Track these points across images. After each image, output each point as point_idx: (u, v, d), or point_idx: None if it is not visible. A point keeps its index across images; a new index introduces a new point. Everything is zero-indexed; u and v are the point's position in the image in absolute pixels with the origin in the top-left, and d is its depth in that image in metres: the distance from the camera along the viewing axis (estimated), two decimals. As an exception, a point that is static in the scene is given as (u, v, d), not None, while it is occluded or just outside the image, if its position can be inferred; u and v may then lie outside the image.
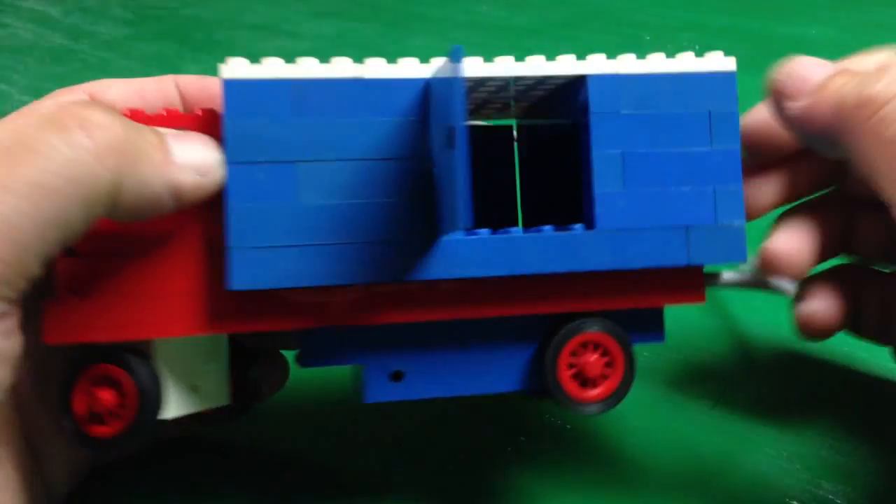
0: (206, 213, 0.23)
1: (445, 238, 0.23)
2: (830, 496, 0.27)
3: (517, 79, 0.24)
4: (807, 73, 0.25)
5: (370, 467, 0.29)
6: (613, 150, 0.24)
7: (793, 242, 0.27)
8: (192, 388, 0.26)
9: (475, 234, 0.24)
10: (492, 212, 0.29)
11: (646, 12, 0.79)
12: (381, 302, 0.24)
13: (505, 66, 0.24)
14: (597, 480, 0.28)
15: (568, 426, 0.30)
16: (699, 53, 0.26)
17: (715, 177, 0.24)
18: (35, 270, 0.20)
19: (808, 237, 0.27)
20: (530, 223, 0.29)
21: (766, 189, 0.27)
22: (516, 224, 0.29)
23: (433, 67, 0.23)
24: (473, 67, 0.24)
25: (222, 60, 0.22)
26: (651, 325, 0.25)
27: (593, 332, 0.24)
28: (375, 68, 0.23)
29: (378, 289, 0.24)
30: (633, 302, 0.25)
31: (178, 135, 0.22)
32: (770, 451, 0.29)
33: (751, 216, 0.27)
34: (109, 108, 0.21)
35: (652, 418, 0.30)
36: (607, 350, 0.24)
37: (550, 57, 0.24)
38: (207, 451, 0.30)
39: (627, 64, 0.24)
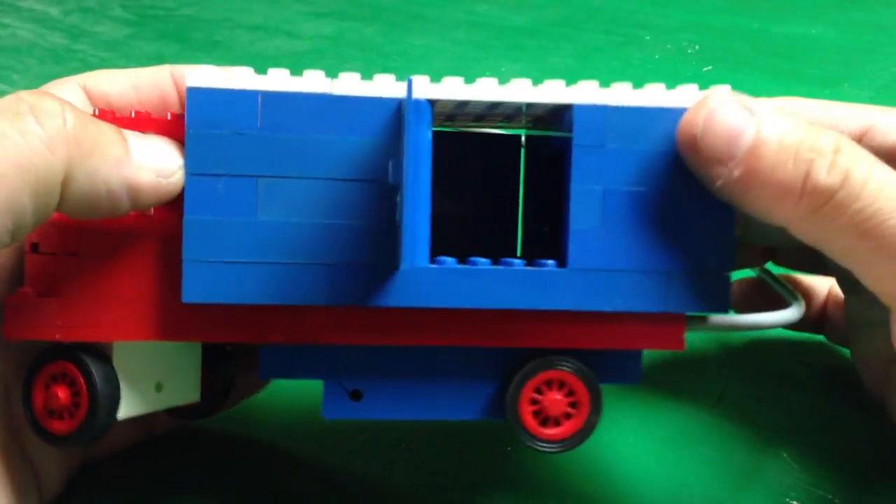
0: (168, 221, 0.23)
1: (409, 265, 0.22)
2: (830, 496, 0.27)
3: (499, 104, 0.23)
4: (730, 128, 0.21)
5: (369, 466, 0.29)
6: (594, 186, 0.22)
7: None
8: (157, 387, 0.26)
9: (440, 262, 0.23)
10: (493, 225, 0.29)
11: (646, 12, 0.79)
12: (339, 323, 0.23)
13: (487, 91, 0.23)
14: (597, 479, 0.28)
15: (568, 426, 0.30)
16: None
17: (705, 221, 0.22)
18: None
19: None
20: (535, 239, 0.28)
21: None
22: (516, 239, 0.29)
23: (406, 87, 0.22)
24: (452, 90, 0.23)
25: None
26: (627, 366, 0.24)
27: (559, 371, 0.23)
28: (346, 84, 0.22)
29: (336, 310, 0.23)
30: (605, 343, 0.23)
31: (141, 135, 0.22)
32: (770, 451, 0.29)
33: None
34: (65, 100, 0.21)
35: (652, 418, 0.30)
36: (573, 390, 0.24)
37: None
38: (200, 447, 0.30)
39: (620, 94, 0.22)
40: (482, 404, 0.24)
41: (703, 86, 0.22)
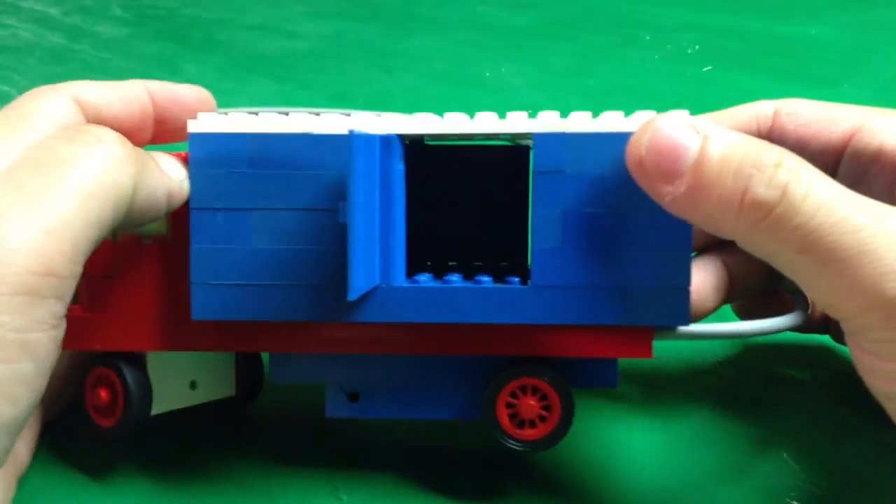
0: (179, 248, 0.25)
1: (385, 285, 0.24)
2: (830, 496, 0.27)
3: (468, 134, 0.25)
4: (673, 147, 0.21)
5: (368, 464, 0.29)
6: (555, 208, 0.23)
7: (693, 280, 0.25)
8: (191, 385, 0.28)
9: (416, 281, 0.25)
10: (502, 235, 0.30)
11: (646, 12, 0.79)
12: (329, 335, 0.25)
13: (451, 124, 0.24)
14: (597, 479, 0.28)
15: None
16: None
17: (661, 239, 0.23)
18: (80, 270, 0.21)
19: (710, 276, 0.27)
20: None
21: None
22: (527, 249, 0.29)
23: (382, 123, 0.24)
24: (420, 124, 0.24)
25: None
26: (602, 372, 0.26)
27: (532, 378, 0.25)
28: (325, 124, 0.24)
29: (325, 324, 0.25)
30: (575, 352, 0.25)
31: (156, 153, 0.25)
32: (770, 451, 0.29)
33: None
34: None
35: (652, 418, 0.30)
36: (545, 395, 0.25)
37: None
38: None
39: (578, 122, 0.23)
40: (465, 405, 0.26)
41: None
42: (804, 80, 0.61)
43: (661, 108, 0.24)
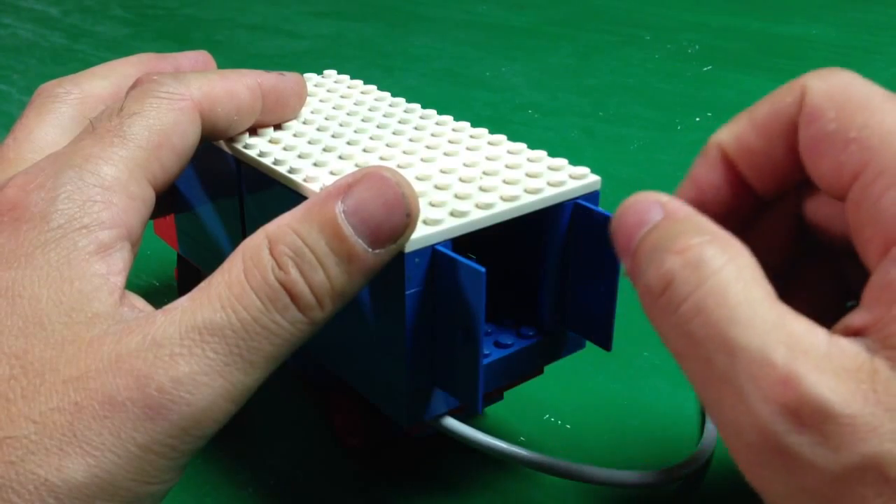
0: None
1: None
2: None
3: None
4: (630, 227, 0.20)
5: (372, 462, 0.29)
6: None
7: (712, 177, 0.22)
8: None
9: None
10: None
11: (646, 12, 0.79)
12: None
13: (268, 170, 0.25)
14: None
15: (567, 426, 0.30)
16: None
17: (382, 340, 0.23)
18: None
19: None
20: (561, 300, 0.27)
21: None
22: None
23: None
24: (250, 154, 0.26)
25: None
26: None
27: (342, 396, 0.27)
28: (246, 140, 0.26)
29: None
30: (365, 394, 0.25)
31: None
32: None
33: None
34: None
35: (652, 417, 0.30)
36: (356, 415, 0.27)
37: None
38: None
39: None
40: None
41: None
42: (804, 80, 0.61)
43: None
